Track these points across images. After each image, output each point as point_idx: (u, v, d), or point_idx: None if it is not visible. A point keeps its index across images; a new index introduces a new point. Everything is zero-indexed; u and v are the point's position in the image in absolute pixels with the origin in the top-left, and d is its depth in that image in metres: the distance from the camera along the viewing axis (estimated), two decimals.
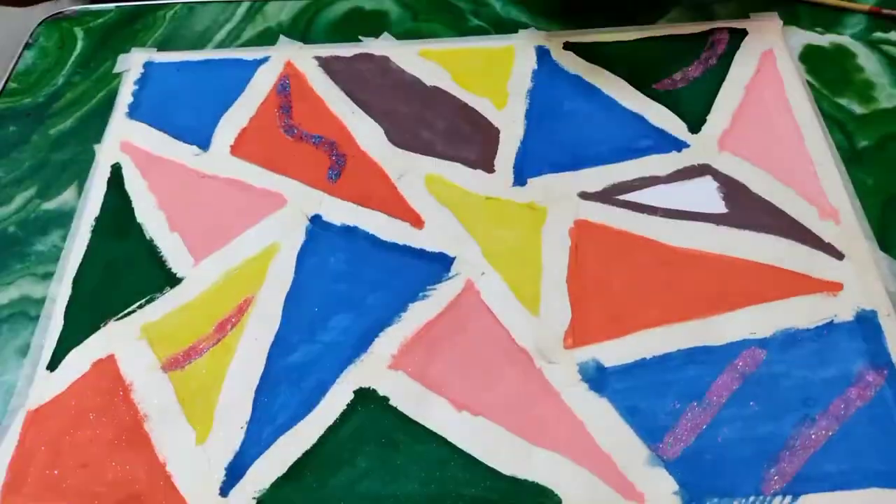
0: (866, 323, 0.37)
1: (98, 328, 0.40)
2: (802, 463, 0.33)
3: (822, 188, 0.42)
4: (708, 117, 0.46)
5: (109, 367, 0.38)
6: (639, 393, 0.36)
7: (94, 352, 0.39)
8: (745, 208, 0.42)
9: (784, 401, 0.35)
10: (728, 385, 0.36)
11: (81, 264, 0.42)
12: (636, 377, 0.36)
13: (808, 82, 0.47)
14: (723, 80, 0.47)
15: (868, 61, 0.48)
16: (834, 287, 0.38)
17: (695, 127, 0.45)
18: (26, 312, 0.41)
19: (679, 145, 0.45)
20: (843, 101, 0.46)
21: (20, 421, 0.37)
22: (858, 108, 0.46)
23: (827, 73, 0.48)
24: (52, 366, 0.39)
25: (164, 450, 0.36)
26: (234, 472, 0.35)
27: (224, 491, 0.34)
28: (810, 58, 0.49)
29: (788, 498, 0.33)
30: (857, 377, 0.35)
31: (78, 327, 0.40)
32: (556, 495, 0.33)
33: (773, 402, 0.35)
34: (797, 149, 0.44)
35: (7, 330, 0.40)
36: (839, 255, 0.40)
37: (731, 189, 0.42)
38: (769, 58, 0.48)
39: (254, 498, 0.34)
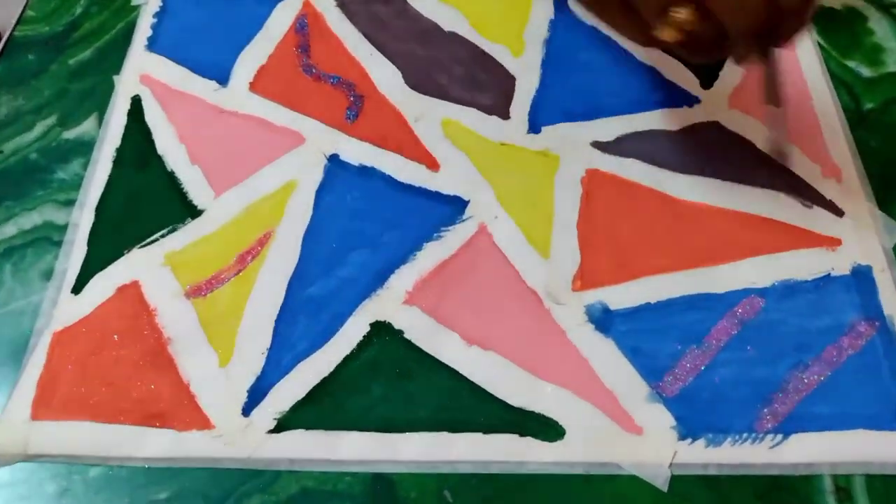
0: (861, 277, 0.39)
1: (121, 255, 0.41)
2: (795, 404, 0.35)
3: (826, 148, 0.43)
4: (720, 73, 0.47)
5: (134, 292, 0.39)
6: (642, 335, 0.38)
7: (117, 277, 0.40)
8: (751, 165, 0.43)
9: (779, 346, 0.37)
10: (727, 330, 0.37)
11: (104, 193, 0.43)
12: (640, 320, 0.38)
13: (818, 44, 0.48)
14: None
15: (879, 25, 0.49)
16: (833, 242, 0.40)
17: (707, 82, 0.46)
18: (49, 237, 0.42)
19: (690, 100, 0.46)
20: (851, 64, 0.47)
21: (46, 341, 0.38)
22: (866, 72, 0.47)
23: (837, 35, 0.49)
24: (77, 289, 0.40)
25: (188, 371, 0.37)
26: (256, 394, 0.36)
27: (246, 411, 0.36)
28: (821, 19, 0.49)
29: (780, 436, 0.35)
30: (850, 327, 0.37)
31: (101, 253, 0.41)
32: (561, 426, 0.35)
33: (769, 347, 0.37)
34: (805, 109, 0.45)
35: (31, 254, 0.41)
36: (839, 213, 0.41)
37: (739, 146, 0.44)
38: None
39: (274, 418, 0.36)
